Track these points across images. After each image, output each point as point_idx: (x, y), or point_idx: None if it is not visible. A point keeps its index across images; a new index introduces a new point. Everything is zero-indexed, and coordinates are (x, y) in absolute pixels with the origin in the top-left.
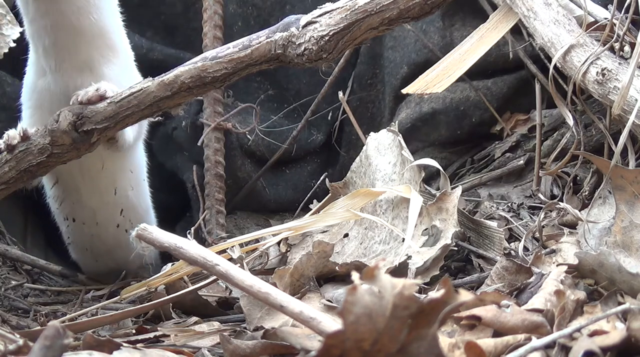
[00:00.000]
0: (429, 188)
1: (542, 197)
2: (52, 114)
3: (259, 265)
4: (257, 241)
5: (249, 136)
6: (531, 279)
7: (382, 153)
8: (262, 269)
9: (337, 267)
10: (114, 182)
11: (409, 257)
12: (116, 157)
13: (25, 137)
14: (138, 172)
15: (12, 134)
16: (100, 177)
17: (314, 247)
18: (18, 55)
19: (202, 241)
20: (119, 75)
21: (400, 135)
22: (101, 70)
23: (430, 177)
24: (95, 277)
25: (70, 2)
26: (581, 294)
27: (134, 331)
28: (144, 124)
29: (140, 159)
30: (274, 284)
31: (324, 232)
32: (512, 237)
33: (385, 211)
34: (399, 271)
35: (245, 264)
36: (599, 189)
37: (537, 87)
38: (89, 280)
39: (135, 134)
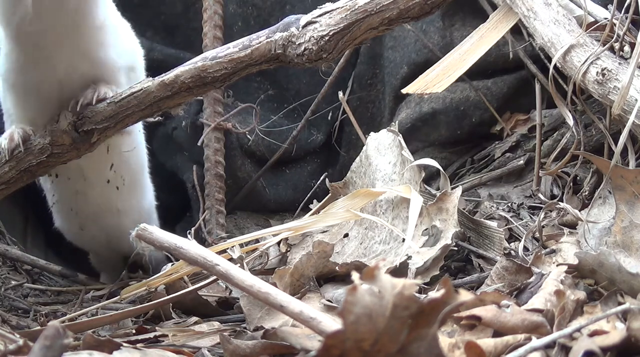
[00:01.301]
0: (429, 188)
1: (542, 197)
2: (44, 105)
3: (259, 265)
4: (257, 241)
5: (249, 136)
6: (531, 279)
7: (382, 153)
8: (262, 269)
9: (337, 268)
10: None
11: (409, 258)
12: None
13: (25, 141)
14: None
15: (11, 137)
16: None
17: (314, 247)
18: None
19: (202, 241)
20: (113, 53)
21: (401, 135)
22: (97, 55)
23: (430, 177)
24: (82, 246)
25: (67, 5)
26: (581, 294)
27: (134, 331)
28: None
29: None
30: (274, 284)
31: (324, 232)
32: (512, 237)
33: (385, 211)
34: (399, 271)
35: (245, 264)
36: (599, 189)
37: (537, 87)
38: (89, 280)
39: None
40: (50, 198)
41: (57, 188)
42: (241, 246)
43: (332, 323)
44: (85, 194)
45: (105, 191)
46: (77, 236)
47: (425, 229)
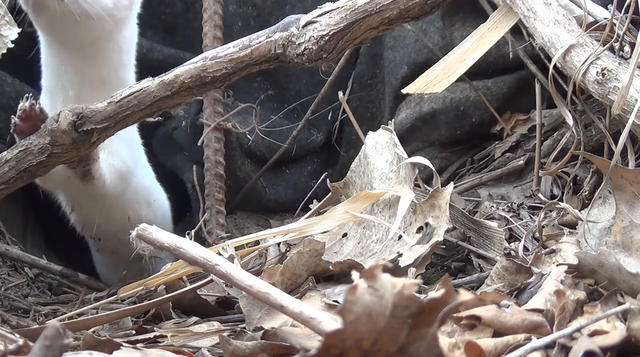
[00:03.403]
0: (428, 187)
1: (542, 197)
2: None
3: (258, 265)
4: (257, 242)
5: (249, 136)
6: (531, 279)
7: (380, 152)
8: (262, 269)
9: (330, 267)
10: (126, 212)
11: (400, 255)
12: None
13: (34, 113)
14: (147, 196)
15: (24, 106)
16: (112, 208)
17: (304, 246)
18: (18, 55)
19: (202, 241)
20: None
21: (394, 133)
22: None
23: (429, 177)
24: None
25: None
26: (581, 294)
27: (133, 331)
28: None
29: (146, 185)
30: (273, 284)
31: (324, 232)
32: (512, 237)
33: (382, 209)
34: (397, 271)
35: (238, 262)
36: (599, 189)
37: (537, 87)
38: (89, 280)
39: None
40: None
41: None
42: (242, 247)
43: (332, 323)
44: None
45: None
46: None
47: (420, 227)
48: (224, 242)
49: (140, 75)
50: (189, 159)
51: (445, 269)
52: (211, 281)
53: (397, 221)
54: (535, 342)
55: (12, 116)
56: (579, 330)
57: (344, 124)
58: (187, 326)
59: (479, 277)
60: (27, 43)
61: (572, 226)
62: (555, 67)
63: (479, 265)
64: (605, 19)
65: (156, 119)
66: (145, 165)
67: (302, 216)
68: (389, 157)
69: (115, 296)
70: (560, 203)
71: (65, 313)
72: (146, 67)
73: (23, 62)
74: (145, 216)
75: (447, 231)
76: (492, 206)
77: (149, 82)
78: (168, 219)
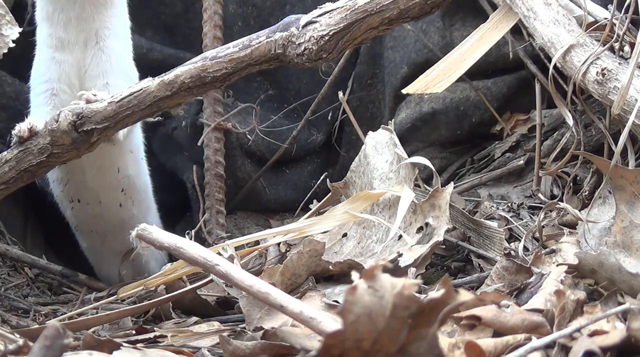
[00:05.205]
0: (428, 187)
1: (542, 197)
2: (68, 86)
3: (258, 265)
4: (257, 242)
5: (249, 136)
6: (531, 279)
7: (380, 152)
8: (261, 269)
9: (330, 267)
10: (117, 162)
11: (400, 255)
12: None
13: (33, 133)
14: (137, 152)
15: (23, 128)
16: (103, 157)
17: (304, 246)
18: (18, 55)
19: (202, 241)
20: (119, 50)
21: (394, 133)
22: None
23: (429, 177)
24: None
25: None
26: (581, 294)
27: (133, 331)
28: None
29: (138, 141)
30: (273, 284)
31: (324, 232)
32: (512, 237)
33: (382, 210)
34: (397, 271)
35: (238, 263)
36: (599, 189)
37: (537, 87)
38: (89, 280)
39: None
40: (73, 225)
41: (79, 214)
42: (242, 247)
43: (332, 323)
44: (102, 215)
45: (119, 211)
46: (99, 255)
47: (420, 227)
48: (224, 242)
49: (141, 75)
50: (189, 159)
51: (445, 269)
52: (211, 281)
53: (397, 221)
54: (535, 342)
55: (12, 131)
56: (579, 330)
57: (344, 124)
58: (187, 326)
59: (479, 277)
60: (27, 43)
61: (572, 226)
62: (555, 67)
63: (479, 265)
64: (605, 19)
65: (156, 119)
66: (139, 129)
67: (302, 216)
68: (389, 157)
69: (115, 296)
70: (560, 203)
71: (65, 313)
72: (146, 67)
73: (23, 62)
74: (133, 175)
75: (447, 231)
76: (492, 206)
77: (149, 82)
78: (150, 187)
